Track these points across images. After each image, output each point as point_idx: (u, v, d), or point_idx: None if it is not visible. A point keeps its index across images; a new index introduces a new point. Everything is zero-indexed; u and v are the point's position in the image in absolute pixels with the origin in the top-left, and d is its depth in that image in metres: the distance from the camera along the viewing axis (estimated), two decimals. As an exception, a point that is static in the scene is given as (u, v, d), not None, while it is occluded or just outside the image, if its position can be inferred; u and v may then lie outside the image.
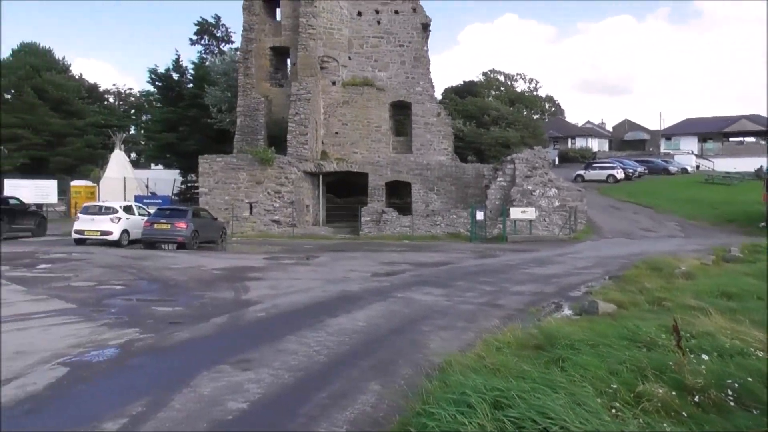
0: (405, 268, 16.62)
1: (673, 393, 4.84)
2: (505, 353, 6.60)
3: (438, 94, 37.84)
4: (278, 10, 34.63)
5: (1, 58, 56.70)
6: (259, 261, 18.31)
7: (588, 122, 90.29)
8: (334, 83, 33.73)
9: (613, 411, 4.49)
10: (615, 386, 4.99)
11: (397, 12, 33.81)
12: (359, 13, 34.03)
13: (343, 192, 35.34)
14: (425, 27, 34.10)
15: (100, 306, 10.47)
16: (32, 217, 25.74)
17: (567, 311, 10.42)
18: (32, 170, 48.74)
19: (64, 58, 61.93)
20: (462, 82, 57.97)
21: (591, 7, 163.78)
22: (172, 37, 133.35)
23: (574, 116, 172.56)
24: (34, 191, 33.86)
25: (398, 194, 32.81)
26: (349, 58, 34.01)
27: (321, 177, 31.74)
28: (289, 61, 35.01)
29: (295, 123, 30.27)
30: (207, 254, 20.39)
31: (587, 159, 61.69)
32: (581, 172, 49.03)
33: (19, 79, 53.98)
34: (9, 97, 56.94)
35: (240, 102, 33.06)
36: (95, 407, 5.40)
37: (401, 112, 36.32)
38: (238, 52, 35.88)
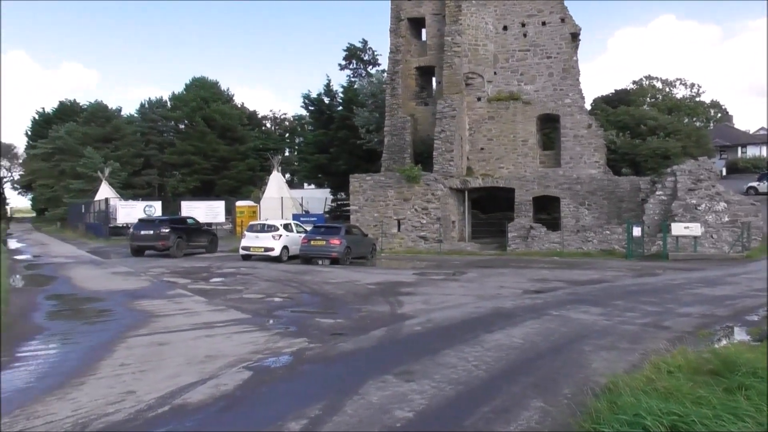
0: (557, 286, 16.19)
1: None
2: (677, 377, 6.28)
3: (587, 105, 36.33)
4: (423, 31, 35.47)
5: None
6: (409, 276, 18.77)
7: (762, 129, 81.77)
8: (479, 99, 33.77)
9: (811, 445, 4.14)
10: (811, 418, 4.59)
11: (544, 23, 33.17)
12: (504, 28, 33.84)
13: (489, 207, 35.11)
14: (574, 36, 33.08)
15: (270, 316, 11.42)
16: (206, 235, 28.50)
17: (744, 336, 9.62)
18: (202, 192, 54.03)
19: (228, 89, 68.11)
20: (613, 91, 55.30)
21: (761, 4, 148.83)
22: (323, 64, 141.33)
23: (745, 122, 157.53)
24: (206, 211, 37.54)
25: (546, 209, 31.97)
26: (495, 73, 33.89)
27: (466, 193, 31.84)
28: (434, 79, 35.65)
29: (440, 140, 30.74)
30: (359, 269, 21.26)
31: (761, 169, 55.81)
32: (754, 184, 44.46)
33: (192, 111, 60.26)
34: (183, 126, 63.77)
35: (387, 122, 34.19)
36: (278, 408, 5.95)
37: (549, 125, 35.47)
38: (385, 74, 37.21)
